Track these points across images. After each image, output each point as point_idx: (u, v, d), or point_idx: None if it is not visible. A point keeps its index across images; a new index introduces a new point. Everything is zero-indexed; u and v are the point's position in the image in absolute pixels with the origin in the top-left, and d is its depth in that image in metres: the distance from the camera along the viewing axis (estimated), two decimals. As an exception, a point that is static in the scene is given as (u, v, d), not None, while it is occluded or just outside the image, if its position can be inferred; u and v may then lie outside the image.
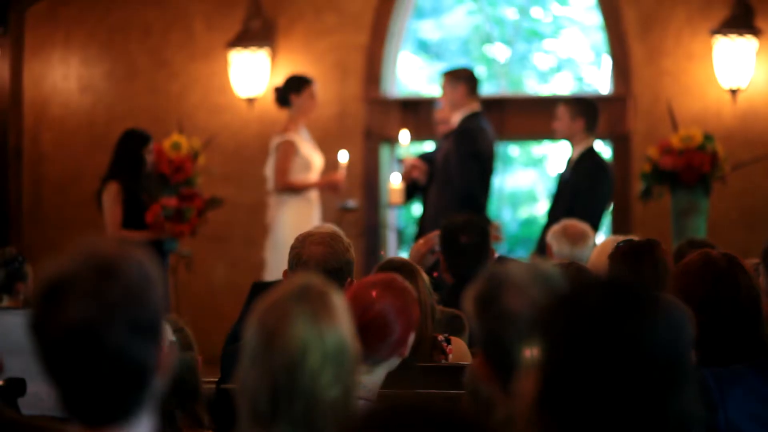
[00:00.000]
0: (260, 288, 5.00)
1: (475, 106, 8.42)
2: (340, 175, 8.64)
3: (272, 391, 2.41)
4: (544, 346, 1.86)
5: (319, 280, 2.58)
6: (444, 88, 8.51)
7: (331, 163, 8.88)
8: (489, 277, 2.66)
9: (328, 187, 8.68)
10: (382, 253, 9.17)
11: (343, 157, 8.70)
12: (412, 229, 9.48)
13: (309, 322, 2.45)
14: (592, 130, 8.12)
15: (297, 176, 8.50)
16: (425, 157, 8.77)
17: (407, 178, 8.64)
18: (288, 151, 8.43)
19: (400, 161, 8.84)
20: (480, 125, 8.36)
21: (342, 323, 2.50)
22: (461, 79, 8.46)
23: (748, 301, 3.47)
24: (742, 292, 3.47)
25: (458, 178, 8.17)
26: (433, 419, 1.73)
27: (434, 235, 5.89)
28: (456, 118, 8.38)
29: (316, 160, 8.61)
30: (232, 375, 4.15)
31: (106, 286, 2.03)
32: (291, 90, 8.52)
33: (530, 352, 1.86)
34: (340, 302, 2.54)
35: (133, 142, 8.39)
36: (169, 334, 3.11)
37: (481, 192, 8.25)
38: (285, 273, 4.25)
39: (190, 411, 3.68)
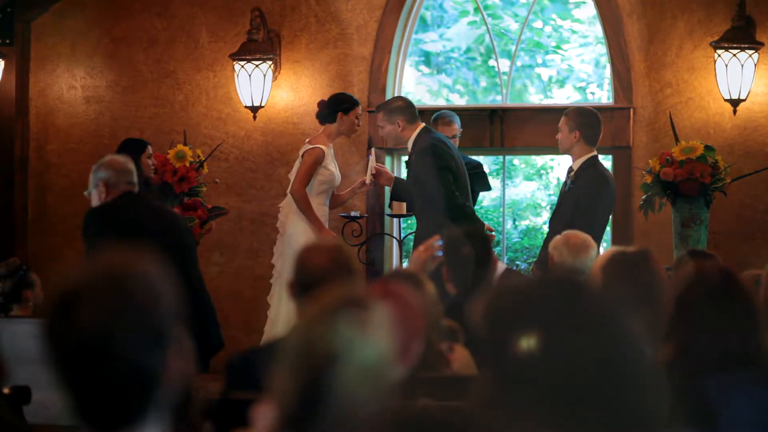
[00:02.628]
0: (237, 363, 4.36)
1: (419, 126, 8.38)
2: (368, 177, 8.76)
3: (301, 395, 2.41)
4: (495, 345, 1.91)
5: (363, 292, 2.55)
6: (381, 124, 8.40)
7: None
8: (500, 290, 2.71)
9: (355, 192, 8.85)
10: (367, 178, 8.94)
11: (372, 160, 8.84)
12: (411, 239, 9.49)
13: (346, 335, 2.41)
14: (590, 142, 8.07)
15: (319, 187, 8.55)
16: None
17: (369, 182, 8.71)
18: (318, 157, 8.50)
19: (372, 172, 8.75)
20: (433, 138, 8.31)
21: (381, 338, 2.45)
22: (396, 112, 8.34)
23: (742, 312, 3.52)
24: (735, 304, 3.52)
25: (438, 195, 8.14)
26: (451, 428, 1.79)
27: (434, 241, 5.89)
28: (408, 144, 8.39)
29: (338, 176, 8.68)
30: (237, 385, 4.20)
31: (117, 297, 2.11)
32: (339, 108, 8.58)
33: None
34: (383, 316, 2.48)
35: (130, 150, 8.42)
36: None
37: (463, 198, 8.23)
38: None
39: (183, 417, 3.69)
